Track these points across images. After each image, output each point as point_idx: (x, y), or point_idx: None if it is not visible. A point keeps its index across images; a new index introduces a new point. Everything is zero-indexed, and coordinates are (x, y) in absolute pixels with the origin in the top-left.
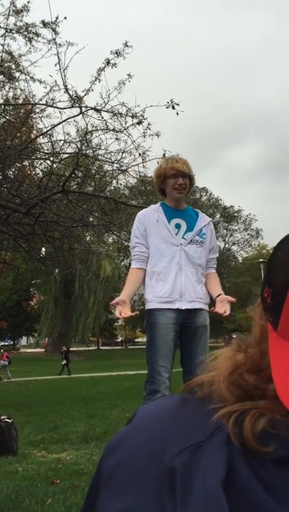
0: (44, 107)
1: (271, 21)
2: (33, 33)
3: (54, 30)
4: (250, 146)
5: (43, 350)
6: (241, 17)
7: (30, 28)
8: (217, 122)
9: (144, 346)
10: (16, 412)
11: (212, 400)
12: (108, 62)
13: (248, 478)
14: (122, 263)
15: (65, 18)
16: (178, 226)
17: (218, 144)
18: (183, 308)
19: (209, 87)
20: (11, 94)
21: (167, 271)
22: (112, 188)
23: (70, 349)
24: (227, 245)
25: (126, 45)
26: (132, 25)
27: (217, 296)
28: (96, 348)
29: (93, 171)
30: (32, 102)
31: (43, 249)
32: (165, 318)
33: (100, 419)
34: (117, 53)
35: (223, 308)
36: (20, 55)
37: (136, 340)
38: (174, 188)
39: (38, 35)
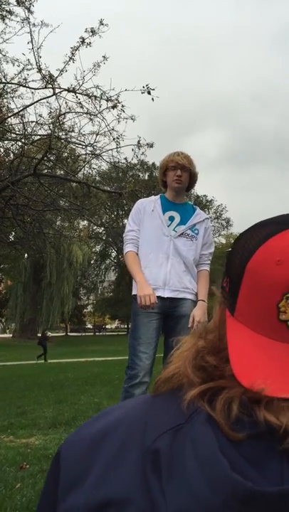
0: (16, 86)
1: (229, 6)
2: (7, 10)
3: (28, 9)
4: (211, 134)
5: (10, 335)
6: (198, 2)
7: (3, 6)
8: (176, 110)
9: (113, 333)
10: None
11: (180, 389)
12: (83, 41)
13: (230, 453)
14: (93, 249)
15: None
16: (171, 218)
17: (179, 131)
18: (165, 296)
19: (166, 74)
20: None
21: (153, 259)
22: (85, 172)
23: (38, 335)
24: None
25: (101, 23)
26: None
27: (199, 300)
28: (64, 334)
29: (66, 154)
30: (4, 81)
31: (12, 233)
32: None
33: (69, 405)
34: (92, 31)
35: (198, 313)
36: None
37: (104, 327)
38: (173, 179)
39: (11, 13)
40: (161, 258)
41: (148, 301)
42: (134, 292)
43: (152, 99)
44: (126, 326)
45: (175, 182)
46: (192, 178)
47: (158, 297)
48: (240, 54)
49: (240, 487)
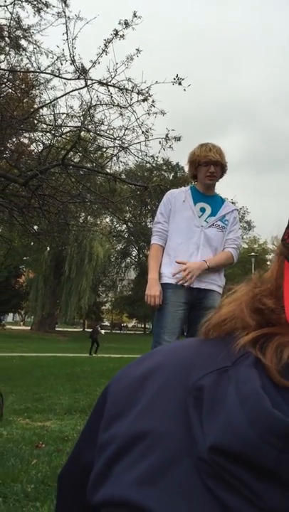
0: (49, 76)
1: (254, 7)
2: (43, 3)
3: (65, 2)
4: (233, 136)
5: (29, 328)
6: (221, 3)
7: None
8: (198, 111)
9: (129, 332)
10: None
11: (233, 334)
12: (116, 33)
13: (277, 398)
14: (115, 247)
15: None
16: (203, 210)
17: (200, 132)
18: (194, 286)
19: (188, 75)
20: (17, 64)
21: (185, 249)
22: (111, 167)
23: (56, 329)
24: None
25: (135, 15)
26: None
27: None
28: (82, 329)
29: (94, 147)
30: (38, 71)
31: (35, 226)
32: (176, 296)
33: (85, 394)
34: (126, 24)
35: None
36: (29, 27)
37: (122, 325)
38: (206, 175)
39: (47, 5)
40: (192, 248)
41: (152, 302)
42: (162, 281)
43: (184, 89)
44: (143, 326)
45: (208, 178)
46: (223, 169)
47: (186, 287)
48: (264, 56)
49: (279, 422)
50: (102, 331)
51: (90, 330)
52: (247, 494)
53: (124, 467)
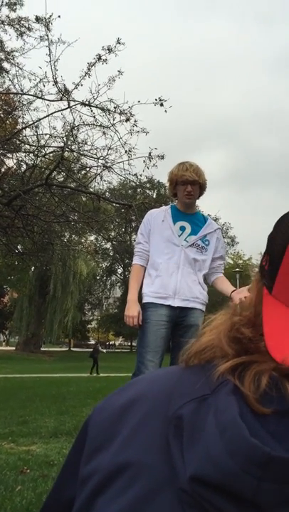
0: (32, 98)
1: (231, 29)
2: (25, 27)
3: (47, 26)
4: (214, 154)
5: (13, 348)
6: (199, 25)
7: (22, 22)
8: (179, 130)
9: (116, 350)
10: None
11: (212, 362)
12: (99, 58)
13: (255, 426)
14: (100, 265)
15: (59, 16)
16: (182, 228)
17: (182, 151)
18: (175, 305)
19: (168, 94)
20: None
21: (164, 269)
22: (95, 186)
23: (41, 349)
24: None
25: (118, 42)
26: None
27: (232, 292)
28: (67, 349)
29: (78, 167)
30: (20, 92)
31: (19, 245)
32: (157, 315)
33: (71, 416)
34: (109, 49)
35: (238, 296)
36: (12, 50)
37: (108, 343)
38: (184, 194)
39: (30, 29)
40: (172, 267)
41: (131, 323)
42: (144, 300)
43: (165, 110)
44: (130, 344)
45: (186, 197)
46: (202, 187)
47: (168, 306)
48: (243, 76)
49: (257, 451)
50: (104, 350)
51: (76, 349)
52: None
53: (107, 500)
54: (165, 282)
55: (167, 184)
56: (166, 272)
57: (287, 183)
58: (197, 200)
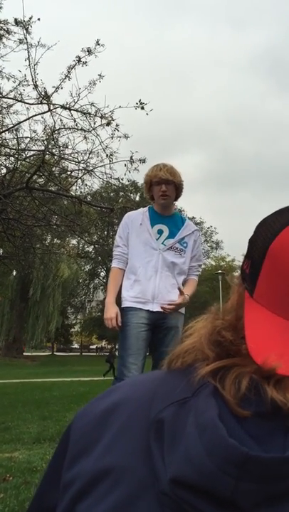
0: (11, 102)
1: (204, 32)
2: (4, 30)
3: (26, 29)
4: (191, 156)
5: None
6: (172, 28)
7: (1, 25)
8: (155, 133)
9: (100, 354)
10: None
11: (194, 366)
12: (79, 60)
13: (234, 427)
14: (83, 268)
15: (39, 19)
16: (160, 232)
17: (159, 154)
18: (154, 310)
19: (143, 98)
20: None
21: (143, 273)
22: (76, 190)
23: (24, 354)
24: None
25: (98, 43)
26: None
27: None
28: (50, 353)
29: (58, 170)
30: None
31: (0, 249)
32: (137, 318)
33: (54, 421)
34: (88, 51)
35: (173, 302)
36: None
37: (91, 347)
38: (159, 195)
39: (9, 32)
40: (150, 272)
41: (110, 325)
42: (123, 305)
43: (147, 114)
44: (114, 346)
45: (161, 198)
46: (178, 188)
47: (147, 311)
48: (216, 79)
49: (235, 451)
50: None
51: (59, 353)
52: None
53: (88, 506)
54: (144, 287)
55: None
56: (145, 276)
57: (262, 183)
58: (180, 203)
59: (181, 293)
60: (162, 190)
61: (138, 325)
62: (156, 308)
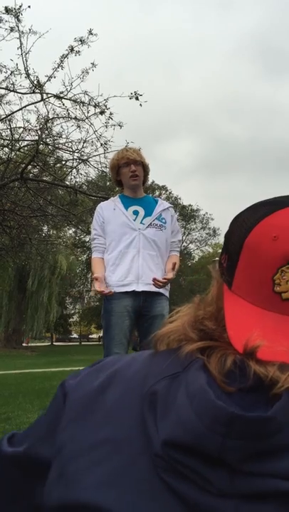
0: (4, 91)
1: (188, 17)
2: None
3: (17, 17)
4: (182, 142)
5: None
6: (155, 14)
7: None
8: (145, 120)
9: (98, 343)
10: None
11: (180, 347)
12: (72, 49)
13: (222, 394)
14: (80, 258)
15: (29, 6)
16: (136, 212)
17: (150, 140)
18: (139, 290)
19: (130, 85)
20: None
21: (124, 255)
22: (72, 180)
23: (23, 345)
24: (185, 243)
25: (90, 33)
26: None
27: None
28: (50, 343)
29: (53, 160)
30: None
31: None
32: (121, 307)
33: None
34: (81, 41)
35: (164, 276)
36: None
37: (90, 336)
38: (130, 176)
39: (0, 21)
40: (132, 252)
41: (104, 294)
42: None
43: (140, 104)
44: None
45: (132, 179)
46: (145, 170)
47: (132, 293)
48: (203, 64)
49: (222, 411)
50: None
51: (58, 344)
52: (198, 482)
53: (83, 470)
54: (126, 269)
55: (110, 173)
56: (126, 258)
57: (255, 169)
58: (176, 191)
59: (172, 268)
60: (132, 170)
61: (122, 314)
62: (142, 287)
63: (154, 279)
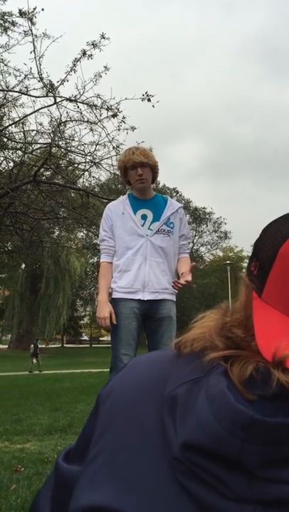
0: (17, 95)
1: (192, 18)
2: (10, 22)
3: (31, 20)
4: (188, 144)
5: (6, 346)
6: (159, 15)
7: (6, 17)
8: (150, 122)
9: (108, 345)
10: None
11: (204, 352)
12: (84, 53)
13: (242, 402)
14: (91, 260)
15: (43, 9)
16: (144, 217)
17: (155, 142)
18: (145, 299)
19: (134, 87)
20: None
21: (131, 262)
22: (84, 182)
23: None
24: (196, 246)
25: (103, 37)
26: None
27: (182, 273)
28: (60, 345)
29: (65, 163)
30: (5, 89)
31: (9, 243)
32: (128, 308)
33: (65, 413)
34: (94, 45)
35: (183, 279)
36: None
37: (100, 338)
38: (136, 180)
39: (14, 24)
40: (139, 259)
41: (103, 324)
42: (113, 296)
43: (153, 106)
44: None
45: (138, 182)
46: (154, 170)
47: (138, 300)
48: (207, 65)
49: (242, 415)
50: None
51: (68, 346)
52: (216, 485)
53: (105, 475)
54: (133, 276)
55: (118, 173)
56: (134, 265)
57: (262, 171)
58: (187, 195)
59: (191, 268)
60: (138, 174)
61: (129, 315)
62: (147, 297)
63: (175, 282)
